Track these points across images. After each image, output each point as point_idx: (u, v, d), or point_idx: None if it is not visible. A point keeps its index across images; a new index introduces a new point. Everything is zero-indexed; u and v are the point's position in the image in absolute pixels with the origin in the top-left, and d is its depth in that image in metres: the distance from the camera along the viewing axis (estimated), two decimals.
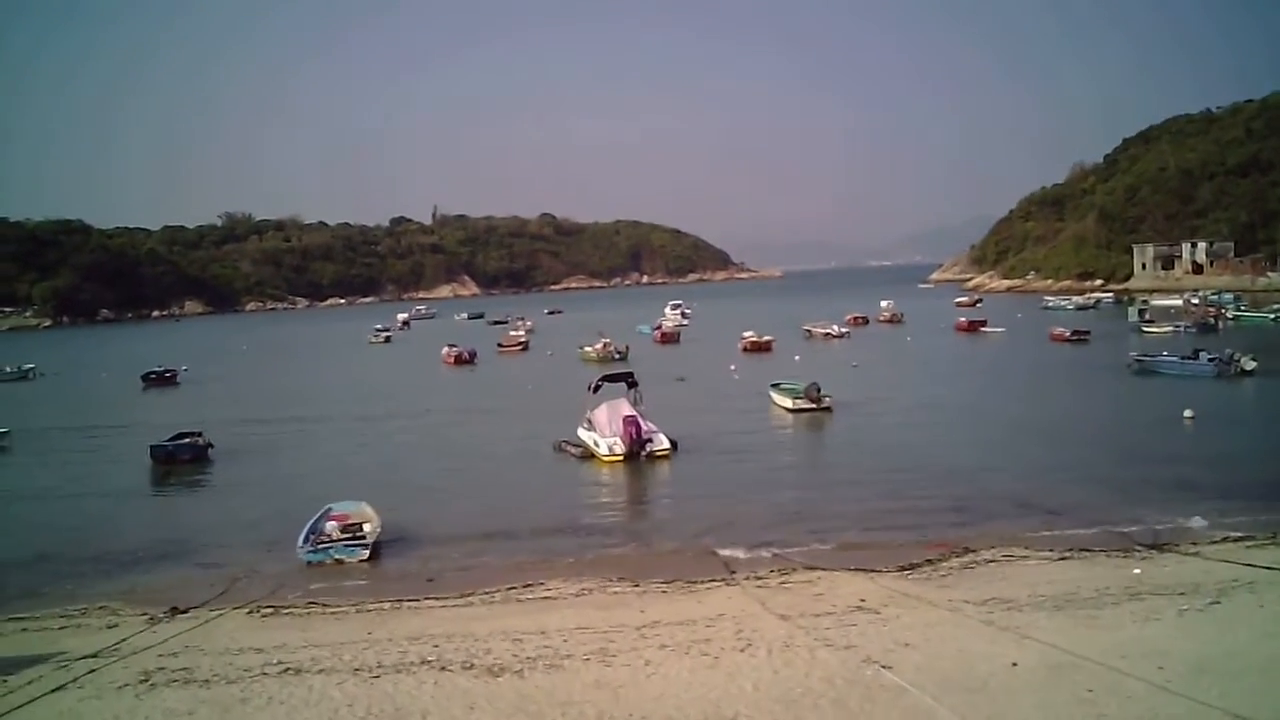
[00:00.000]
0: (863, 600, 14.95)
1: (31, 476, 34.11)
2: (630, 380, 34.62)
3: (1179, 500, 22.53)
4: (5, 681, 12.66)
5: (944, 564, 17.80)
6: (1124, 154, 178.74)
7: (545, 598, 16.82)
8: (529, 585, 17.77)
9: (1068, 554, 17.95)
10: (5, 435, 40.97)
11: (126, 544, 23.51)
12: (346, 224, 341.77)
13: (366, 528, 21.87)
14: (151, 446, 34.08)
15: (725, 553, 19.97)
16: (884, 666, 11.30)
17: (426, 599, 17.28)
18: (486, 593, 17.38)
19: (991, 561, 17.69)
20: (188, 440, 34.81)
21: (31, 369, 79.11)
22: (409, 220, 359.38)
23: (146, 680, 12.44)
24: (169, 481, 31.96)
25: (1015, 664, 11.21)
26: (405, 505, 25.08)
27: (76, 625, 16.38)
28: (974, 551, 18.56)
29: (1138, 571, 16.01)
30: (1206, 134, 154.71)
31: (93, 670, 13.10)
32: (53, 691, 12.20)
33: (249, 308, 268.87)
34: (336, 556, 20.72)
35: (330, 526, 21.78)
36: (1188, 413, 33.44)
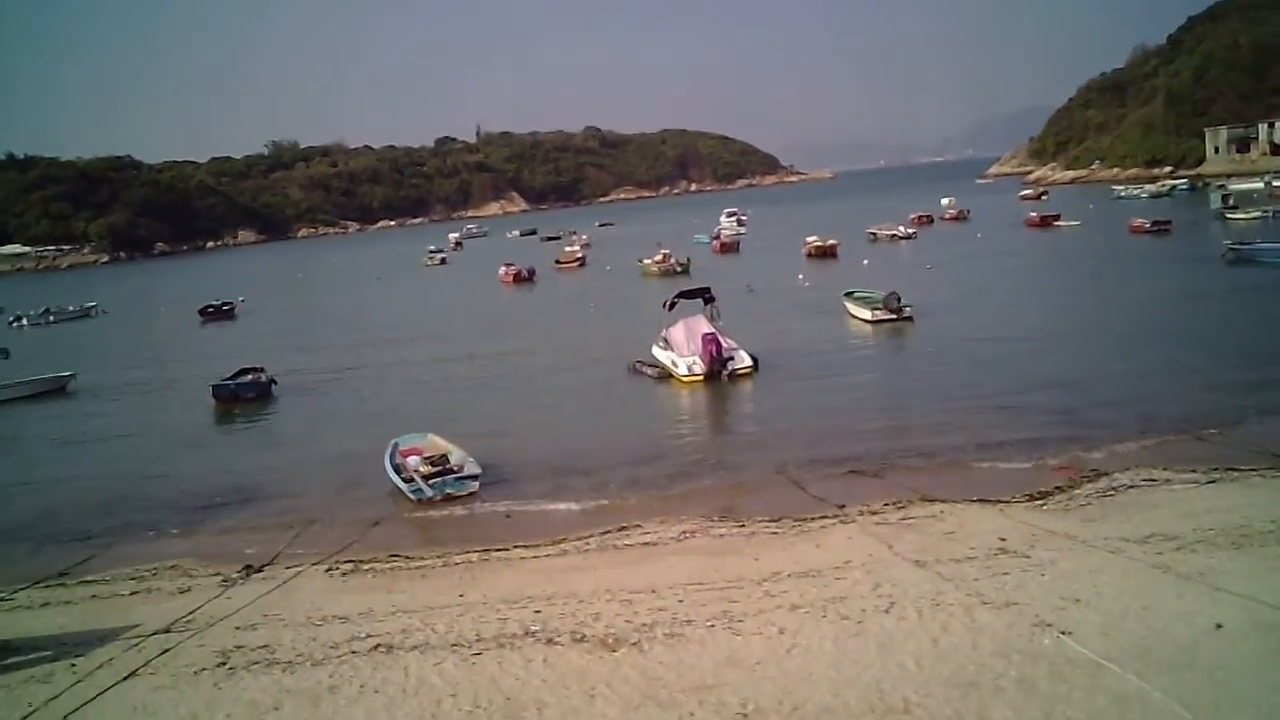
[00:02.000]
0: (1003, 540, 13.38)
1: (97, 421, 33.35)
2: (707, 296, 32.95)
3: None
4: (74, 667, 11.56)
5: (1077, 491, 16.14)
6: (1189, 33, 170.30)
7: (645, 543, 15.44)
8: (624, 528, 16.42)
9: (1215, 475, 16.15)
10: (71, 379, 40.36)
11: (195, 491, 22.55)
12: (392, 146, 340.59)
13: (453, 457, 21.03)
14: (213, 386, 33.18)
15: (829, 482, 18.51)
16: (1063, 632, 9.76)
17: (516, 547, 15.97)
18: (580, 539, 16.06)
19: (1132, 487, 15.97)
20: (250, 378, 33.86)
21: (94, 306, 79.45)
22: (453, 140, 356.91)
23: (225, 663, 11.26)
24: (233, 421, 31.09)
25: (1220, 625, 9.62)
26: (479, 438, 23.67)
27: (147, 590, 15.30)
28: (1107, 475, 16.86)
29: None
30: None
31: (166, 650, 11.95)
32: (125, 679, 11.07)
33: (301, 234, 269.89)
34: (449, 491, 19.90)
35: (414, 461, 20.77)
36: None
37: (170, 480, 24.18)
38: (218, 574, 15.80)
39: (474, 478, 20.31)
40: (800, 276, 54.91)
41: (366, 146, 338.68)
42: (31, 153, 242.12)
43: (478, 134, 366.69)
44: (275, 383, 34.06)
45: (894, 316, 36.96)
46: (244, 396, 32.94)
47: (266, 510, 20.77)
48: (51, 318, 75.15)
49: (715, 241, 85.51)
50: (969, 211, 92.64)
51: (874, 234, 77.23)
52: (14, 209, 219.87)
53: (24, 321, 74.82)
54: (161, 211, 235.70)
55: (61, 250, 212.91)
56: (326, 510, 20.09)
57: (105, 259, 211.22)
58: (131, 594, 15.18)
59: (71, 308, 78.46)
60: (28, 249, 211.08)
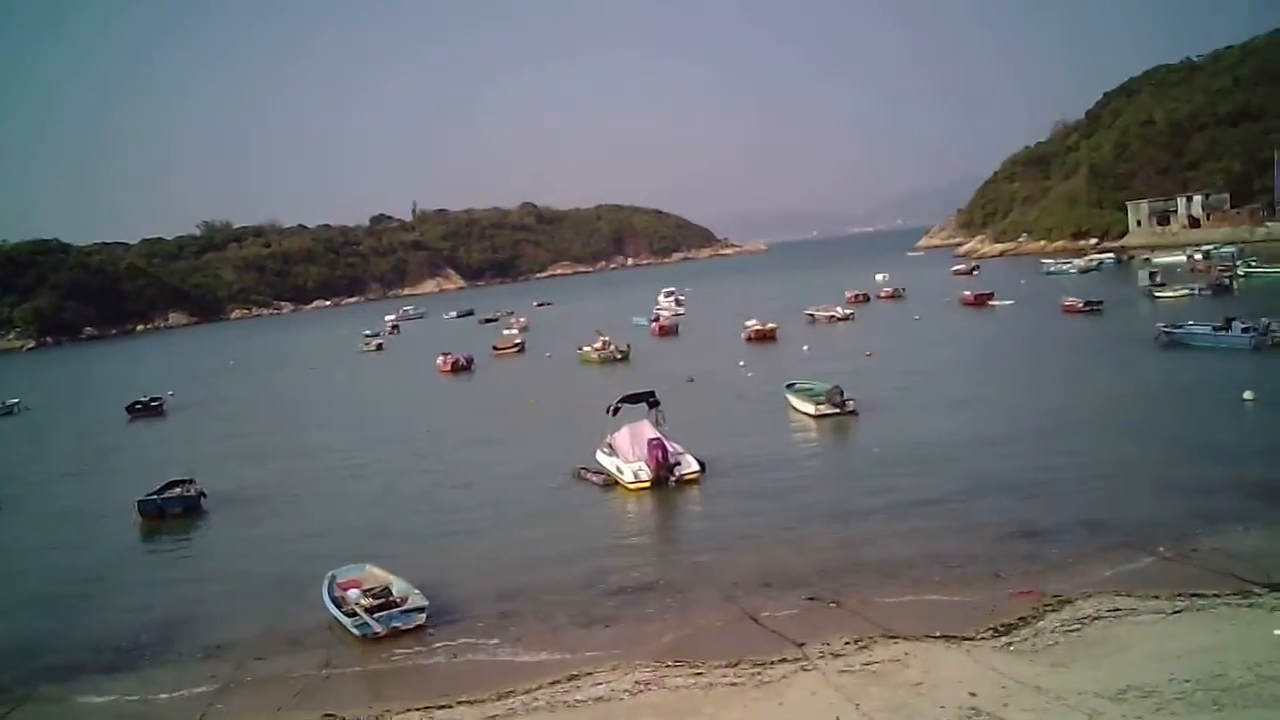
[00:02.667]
0: (974, 695, 12.82)
1: (17, 541, 32.03)
2: (651, 399, 32.38)
3: (1274, 513, 20.53)
4: None
5: (1041, 624, 15.68)
6: (1106, 108, 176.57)
7: (598, 698, 14.63)
8: (574, 678, 15.60)
9: (1180, 603, 15.80)
10: None
11: (119, 627, 21.37)
12: (326, 225, 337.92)
13: (395, 588, 20.20)
14: (139, 501, 31.71)
15: (785, 613, 17.85)
16: None
17: (460, 703, 15.12)
18: (528, 691, 15.21)
19: (1097, 619, 15.55)
20: (178, 492, 32.47)
21: (16, 403, 76.50)
22: (389, 218, 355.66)
23: None
24: (160, 541, 29.67)
25: None
26: (418, 561, 22.93)
27: None
28: (1070, 603, 16.44)
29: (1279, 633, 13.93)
30: (1189, 83, 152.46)
31: None
32: None
33: (234, 315, 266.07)
34: (395, 624, 18.99)
35: (354, 594, 19.88)
36: (1247, 395, 31.23)
37: (93, 613, 23.01)
38: None
39: (420, 610, 19.44)
40: (741, 363, 54.65)
41: (300, 226, 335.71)
42: None
43: (413, 212, 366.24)
44: (205, 495, 32.71)
45: (837, 411, 36.69)
46: (171, 512, 31.54)
47: (195, 650, 19.58)
48: None
49: (654, 324, 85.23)
50: (904, 289, 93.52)
51: (812, 315, 77.53)
52: None
53: None
54: (90, 295, 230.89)
55: None
56: (260, 648, 19.12)
57: (31, 345, 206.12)
58: None
59: None
60: None
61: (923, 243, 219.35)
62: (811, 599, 18.53)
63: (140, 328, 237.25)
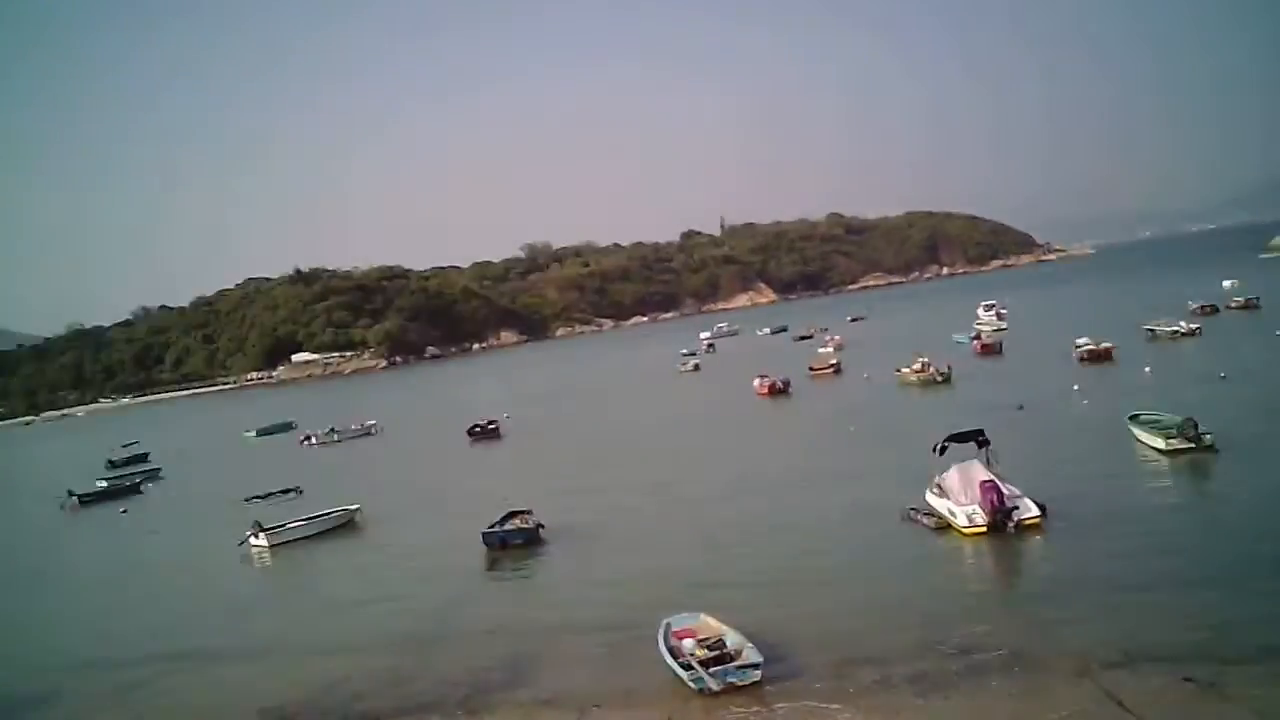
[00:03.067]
0: None
1: (379, 573, 34.59)
2: (980, 439, 30.91)
3: None
4: None
5: None
6: None
7: None
8: None
9: None
10: (358, 512, 42.43)
11: (466, 666, 22.92)
12: (640, 243, 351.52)
13: (729, 641, 20.29)
14: (483, 533, 33.83)
15: (1154, 695, 16.33)
16: None
17: None
18: None
19: None
20: (517, 523, 34.34)
21: (374, 425, 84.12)
22: (698, 233, 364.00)
23: None
24: (502, 574, 31.43)
25: None
26: (747, 610, 22.69)
27: None
28: None
29: None
30: None
31: None
32: None
33: (559, 333, 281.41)
34: (731, 680, 19.04)
35: (689, 645, 20.19)
36: None
37: (447, 648, 24.79)
38: None
39: (755, 666, 19.33)
40: (1076, 388, 51.12)
41: (615, 244, 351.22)
42: (315, 266, 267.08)
43: (722, 226, 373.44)
44: (543, 526, 34.35)
45: (1193, 446, 33.43)
46: (512, 544, 33.38)
47: (538, 694, 20.64)
48: (337, 436, 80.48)
49: (975, 342, 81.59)
50: (1259, 299, 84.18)
51: (1152, 330, 71.39)
52: (302, 320, 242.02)
53: (313, 440, 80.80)
54: (430, 317, 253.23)
55: (344, 357, 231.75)
56: (600, 696, 19.86)
57: (383, 364, 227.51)
58: None
59: (355, 426, 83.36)
60: (316, 357, 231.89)
61: (1276, 242, 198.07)
62: (1188, 680, 16.84)
63: (475, 346, 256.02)
